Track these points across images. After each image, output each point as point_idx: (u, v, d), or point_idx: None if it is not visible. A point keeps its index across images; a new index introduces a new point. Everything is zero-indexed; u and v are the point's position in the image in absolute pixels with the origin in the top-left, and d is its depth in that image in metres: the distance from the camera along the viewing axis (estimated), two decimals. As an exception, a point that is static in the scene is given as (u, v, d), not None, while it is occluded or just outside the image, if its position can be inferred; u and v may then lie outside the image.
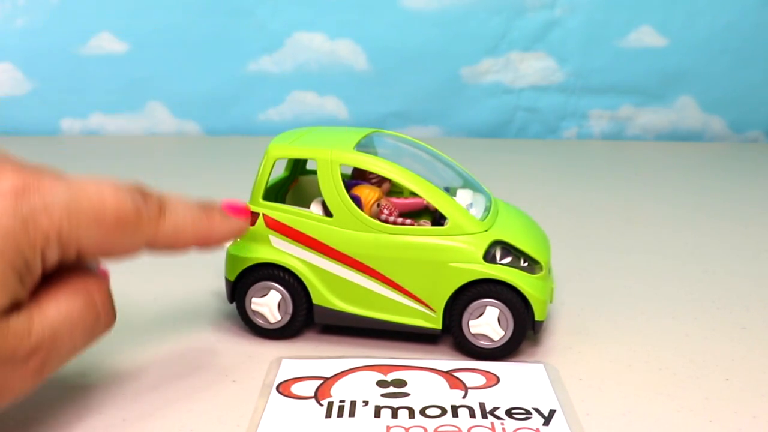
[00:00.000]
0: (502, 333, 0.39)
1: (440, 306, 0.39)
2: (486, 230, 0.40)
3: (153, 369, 0.38)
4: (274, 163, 0.41)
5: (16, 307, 0.27)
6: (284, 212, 0.41)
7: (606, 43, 1.12)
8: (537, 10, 1.12)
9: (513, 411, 0.34)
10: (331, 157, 0.40)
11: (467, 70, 1.14)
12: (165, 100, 1.16)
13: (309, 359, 0.39)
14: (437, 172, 0.45)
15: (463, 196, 0.43)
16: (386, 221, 0.40)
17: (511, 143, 1.14)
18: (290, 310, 0.41)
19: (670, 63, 1.13)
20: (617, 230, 0.67)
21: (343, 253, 0.40)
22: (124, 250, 0.31)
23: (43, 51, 1.12)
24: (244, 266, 0.41)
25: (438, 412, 0.33)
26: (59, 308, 0.29)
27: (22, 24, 1.11)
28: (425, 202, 0.43)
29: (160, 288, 0.49)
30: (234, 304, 0.43)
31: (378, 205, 0.42)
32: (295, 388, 0.36)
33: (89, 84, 1.14)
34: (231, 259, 0.42)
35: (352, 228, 0.40)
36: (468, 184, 0.45)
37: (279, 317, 0.41)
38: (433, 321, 0.40)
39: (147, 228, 0.31)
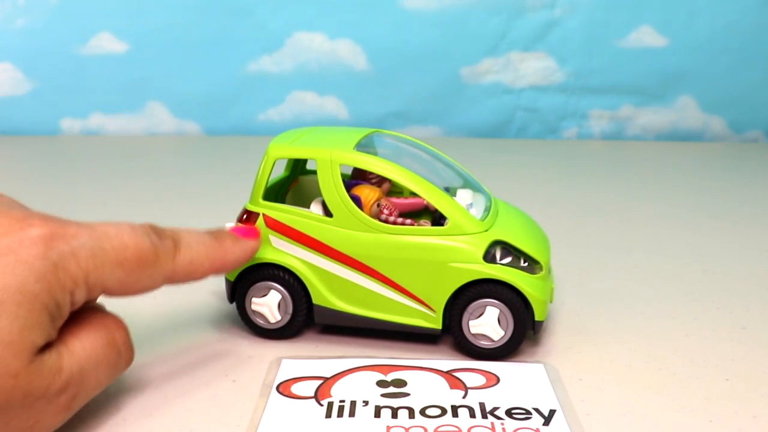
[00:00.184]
0: (502, 333, 0.39)
1: (440, 306, 0.39)
2: (486, 230, 0.40)
3: (153, 369, 0.38)
4: (274, 163, 0.41)
5: (47, 345, 0.29)
6: (284, 212, 0.41)
7: (606, 43, 1.12)
8: (537, 10, 1.12)
9: (513, 411, 0.34)
10: (331, 157, 0.40)
11: (467, 70, 1.14)
12: (165, 100, 1.16)
13: (309, 359, 0.39)
14: (437, 172, 0.45)
15: (463, 196, 0.43)
16: (386, 221, 0.40)
17: (511, 143, 1.14)
18: (290, 310, 0.41)
19: (670, 63, 1.13)
20: (617, 230, 0.67)
21: (343, 253, 0.40)
22: (144, 286, 0.33)
23: (43, 51, 1.12)
24: (244, 266, 0.41)
25: (438, 412, 0.33)
26: (84, 346, 0.31)
27: (22, 24, 1.11)
28: (425, 202, 0.43)
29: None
30: (234, 304, 0.43)
31: (378, 205, 0.42)
32: (295, 388, 0.36)
33: (89, 84, 1.14)
34: (231, 259, 0.42)
35: (352, 228, 0.40)
36: (468, 184, 0.45)
37: (279, 317, 0.41)
38: (433, 321, 0.40)
39: (165, 263, 0.33)
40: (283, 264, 0.40)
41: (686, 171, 0.96)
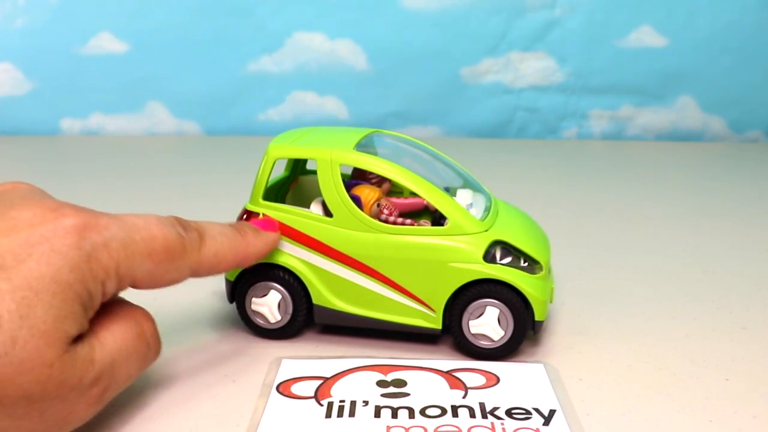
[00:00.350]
0: (502, 333, 0.39)
1: (440, 306, 0.39)
2: (486, 230, 0.40)
3: (153, 369, 0.38)
4: (274, 163, 0.41)
5: (79, 336, 0.29)
6: (284, 212, 0.41)
7: (606, 43, 1.12)
8: (537, 10, 1.12)
9: (513, 411, 0.34)
10: (331, 157, 0.40)
11: (467, 70, 1.14)
12: (165, 100, 1.16)
13: (309, 359, 0.39)
14: (437, 172, 0.45)
15: (463, 196, 0.43)
16: (386, 221, 0.40)
17: (511, 143, 1.14)
18: (290, 310, 0.41)
19: (670, 63, 1.13)
20: (617, 230, 0.67)
21: (343, 253, 0.40)
22: (172, 278, 0.33)
23: (43, 51, 1.12)
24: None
25: (438, 412, 0.33)
26: (115, 338, 0.31)
27: (22, 24, 1.11)
28: (425, 202, 0.43)
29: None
30: (234, 304, 0.43)
31: (378, 205, 0.42)
32: (295, 388, 0.36)
33: (89, 84, 1.14)
34: (231, 259, 0.42)
35: (352, 228, 0.40)
36: (468, 184, 0.45)
37: (279, 317, 0.41)
38: (433, 321, 0.40)
39: (191, 255, 0.33)
40: (283, 264, 0.40)
41: (686, 171, 0.97)
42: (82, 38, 1.12)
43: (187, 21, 1.12)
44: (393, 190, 0.46)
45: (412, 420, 0.33)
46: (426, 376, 0.37)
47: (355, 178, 0.44)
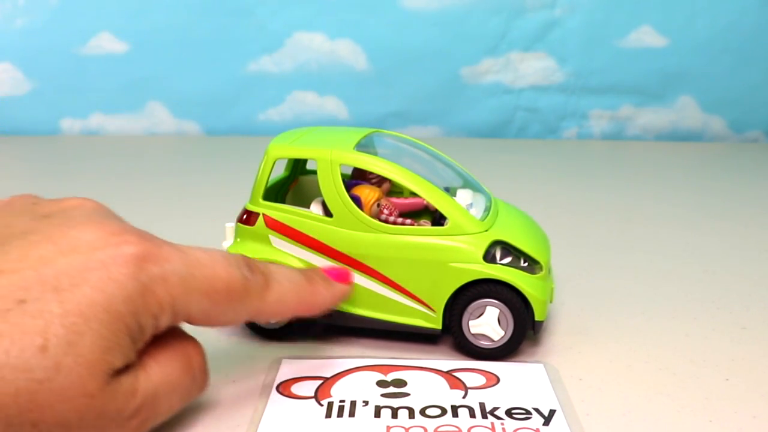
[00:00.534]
0: (502, 333, 0.39)
1: (440, 306, 0.39)
2: (486, 230, 0.40)
3: (153, 369, 0.38)
4: (274, 163, 0.41)
5: (125, 367, 0.28)
6: (284, 212, 0.41)
7: (606, 43, 1.12)
8: (537, 10, 1.12)
9: (513, 411, 0.34)
10: (331, 157, 0.40)
11: (467, 70, 1.14)
12: (165, 100, 1.16)
13: (309, 359, 0.39)
14: (437, 172, 0.45)
15: (463, 196, 0.43)
16: (386, 221, 0.40)
17: (511, 143, 1.14)
18: (290, 310, 0.41)
19: (670, 63, 1.13)
20: (617, 230, 0.67)
21: (343, 253, 0.40)
22: (228, 319, 0.32)
23: (43, 51, 1.12)
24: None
25: (438, 412, 0.33)
26: (162, 371, 0.30)
27: (22, 24, 1.11)
28: (425, 202, 0.43)
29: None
30: (234, 304, 0.43)
31: (378, 205, 0.42)
32: (295, 388, 0.36)
33: (89, 84, 1.14)
34: (231, 259, 0.42)
35: (352, 228, 0.40)
36: (468, 184, 0.45)
37: (279, 317, 0.41)
38: (433, 321, 0.40)
39: (253, 299, 0.32)
40: (283, 264, 0.40)
41: (686, 171, 0.96)
42: (82, 38, 1.12)
43: (187, 21, 1.12)
44: (393, 190, 0.46)
45: (412, 420, 0.33)
46: (426, 376, 0.37)
47: (355, 178, 0.44)
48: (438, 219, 0.42)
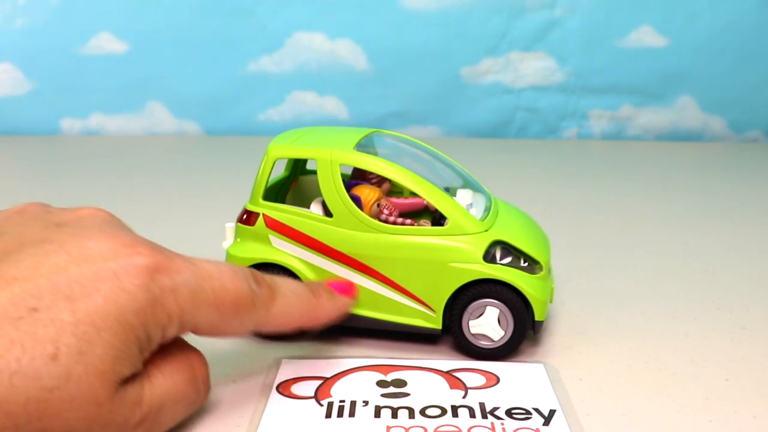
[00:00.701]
0: (502, 333, 0.39)
1: (440, 306, 0.39)
2: (486, 230, 0.40)
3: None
4: (274, 163, 0.41)
5: (132, 376, 0.28)
6: (284, 212, 0.41)
7: (606, 43, 1.12)
8: (537, 10, 1.12)
9: (513, 411, 0.34)
10: (331, 157, 0.40)
11: (467, 70, 1.14)
12: (165, 100, 1.16)
13: (309, 359, 0.39)
14: (437, 172, 0.45)
15: (463, 196, 0.43)
16: (386, 221, 0.40)
17: (511, 143, 1.14)
18: (290, 310, 0.41)
19: (670, 63, 1.13)
20: (617, 230, 0.67)
21: (343, 253, 0.40)
22: (234, 331, 0.32)
23: (43, 51, 1.12)
24: (245, 266, 0.41)
25: (438, 412, 0.33)
26: (166, 381, 0.30)
27: (22, 24, 1.11)
28: (425, 202, 0.43)
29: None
30: (234, 304, 0.43)
31: (378, 205, 0.42)
32: (295, 388, 0.36)
33: (89, 84, 1.14)
34: (231, 259, 0.42)
35: (352, 228, 0.40)
36: (468, 184, 0.45)
37: (279, 317, 0.41)
38: (433, 321, 0.40)
39: (259, 312, 0.32)
40: (283, 264, 0.40)
41: (686, 171, 0.97)
42: (82, 38, 1.12)
43: (187, 21, 1.12)
44: (393, 190, 0.46)
45: (412, 420, 0.33)
46: (426, 376, 0.37)
47: (355, 178, 0.44)
48: (438, 219, 0.42)
